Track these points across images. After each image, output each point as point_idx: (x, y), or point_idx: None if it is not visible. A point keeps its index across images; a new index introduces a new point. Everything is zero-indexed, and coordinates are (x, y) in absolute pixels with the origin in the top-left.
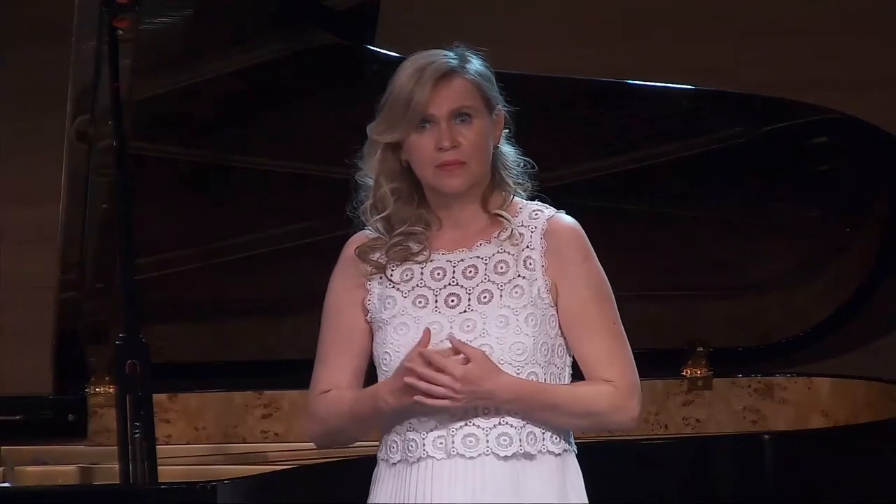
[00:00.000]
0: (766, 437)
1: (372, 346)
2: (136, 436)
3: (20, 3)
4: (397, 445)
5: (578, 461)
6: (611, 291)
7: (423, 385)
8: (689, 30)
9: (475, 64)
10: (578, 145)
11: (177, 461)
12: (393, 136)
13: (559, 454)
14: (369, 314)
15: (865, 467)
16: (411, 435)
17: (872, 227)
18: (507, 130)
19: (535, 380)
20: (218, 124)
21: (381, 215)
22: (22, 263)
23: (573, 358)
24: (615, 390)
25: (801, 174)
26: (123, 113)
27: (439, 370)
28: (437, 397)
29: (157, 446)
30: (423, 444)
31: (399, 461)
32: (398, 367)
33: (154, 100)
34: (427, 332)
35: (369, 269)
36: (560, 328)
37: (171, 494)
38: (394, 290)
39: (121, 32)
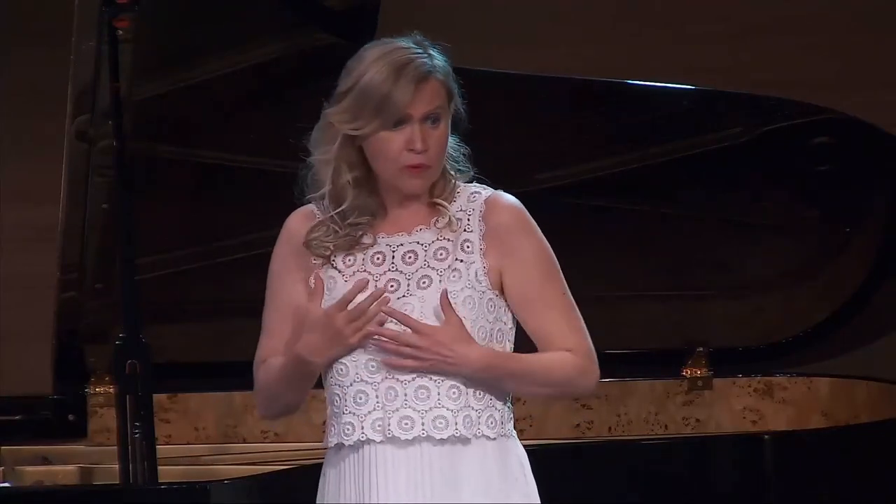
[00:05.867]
0: (766, 437)
1: None
2: (136, 436)
3: (20, 3)
4: (334, 429)
5: (579, 461)
6: (555, 262)
7: (391, 345)
8: (689, 30)
9: (440, 60)
10: (578, 145)
11: (177, 461)
12: (361, 129)
13: (494, 439)
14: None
15: (865, 467)
16: (347, 418)
17: (872, 227)
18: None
19: None
20: (218, 124)
21: (341, 208)
22: (22, 263)
23: (514, 344)
24: (576, 357)
25: (801, 174)
26: (123, 113)
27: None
28: (404, 355)
29: (157, 446)
30: (362, 427)
31: (336, 444)
32: (314, 320)
33: (154, 100)
34: (360, 282)
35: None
36: (507, 309)
37: (170, 494)
38: (335, 272)
39: (121, 32)
